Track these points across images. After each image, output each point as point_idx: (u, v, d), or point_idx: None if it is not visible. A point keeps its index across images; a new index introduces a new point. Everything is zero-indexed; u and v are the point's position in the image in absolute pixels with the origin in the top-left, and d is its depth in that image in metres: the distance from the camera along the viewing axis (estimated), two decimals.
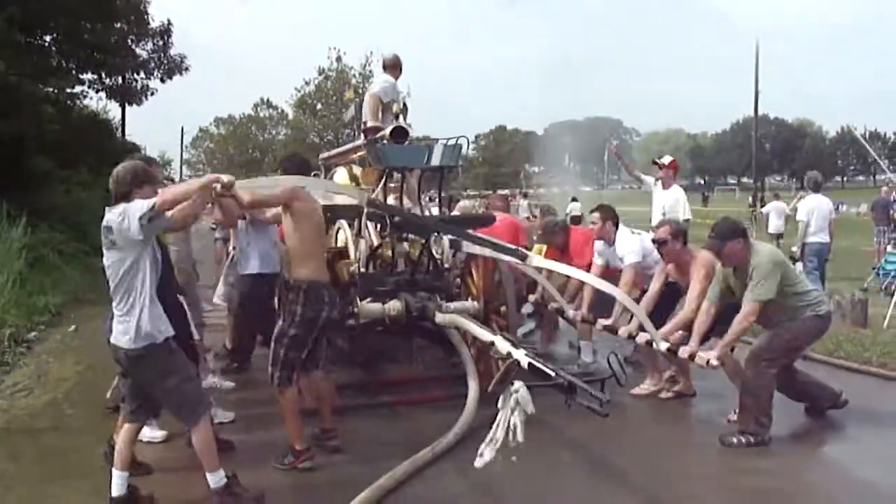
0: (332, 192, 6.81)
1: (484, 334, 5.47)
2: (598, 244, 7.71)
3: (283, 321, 5.35)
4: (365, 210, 6.49)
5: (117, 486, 4.58)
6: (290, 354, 5.30)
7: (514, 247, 6.65)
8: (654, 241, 6.86)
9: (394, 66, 8.69)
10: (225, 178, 4.78)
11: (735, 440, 5.82)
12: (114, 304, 4.54)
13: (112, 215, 4.45)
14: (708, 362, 5.86)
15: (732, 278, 6.04)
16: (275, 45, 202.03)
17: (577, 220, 16.14)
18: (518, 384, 4.15)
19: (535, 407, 4.18)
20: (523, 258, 6.43)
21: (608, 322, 7.05)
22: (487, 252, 6.64)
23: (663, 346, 6.21)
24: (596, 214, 7.67)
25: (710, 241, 6.01)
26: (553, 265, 6.86)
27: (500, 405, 4.23)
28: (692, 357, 6.02)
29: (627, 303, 6.28)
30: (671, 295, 6.86)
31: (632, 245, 7.36)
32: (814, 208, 11.71)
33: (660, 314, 6.51)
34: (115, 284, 4.50)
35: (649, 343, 6.38)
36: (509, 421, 4.16)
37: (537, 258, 6.91)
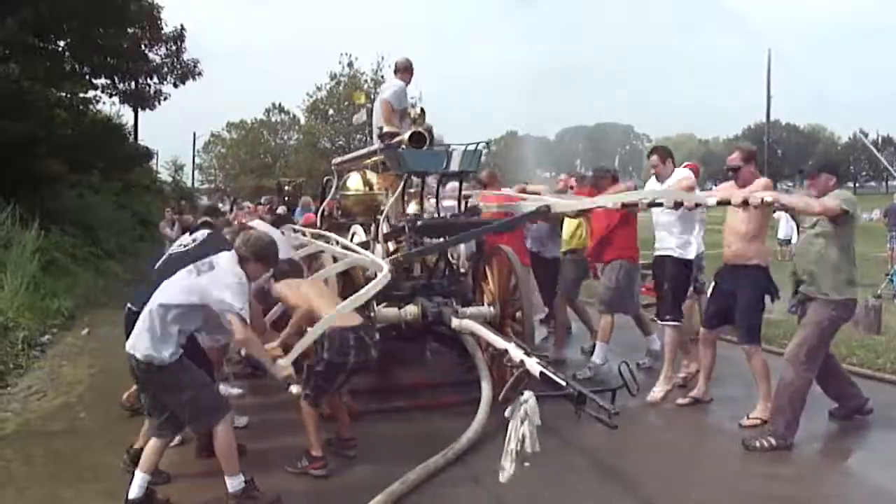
0: (351, 264, 6.90)
1: (498, 341, 5.45)
2: (651, 181, 7.55)
3: (316, 355, 5.36)
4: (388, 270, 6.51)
5: (137, 488, 4.59)
6: (322, 385, 5.33)
7: (533, 208, 6.73)
8: (727, 168, 6.67)
9: (405, 70, 8.69)
10: (295, 390, 4.98)
11: (758, 444, 5.80)
12: (146, 312, 4.58)
13: (224, 261, 4.66)
14: (762, 200, 5.62)
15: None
16: (287, 50, 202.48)
17: None
18: (527, 394, 4.13)
19: (546, 414, 4.16)
20: (546, 210, 6.50)
21: (648, 199, 6.78)
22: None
23: (711, 200, 6.23)
24: (655, 157, 7.43)
25: (809, 168, 6.19)
26: (578, 203, 6.89)
27: (508, 415, 4.22)
28: (745, 202, 5.73)
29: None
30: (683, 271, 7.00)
31: (685, 171, 7.37)
32: None
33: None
34: (160, 300, 4.60)
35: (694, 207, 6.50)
36: (519, 431, 4.15)
37: (560, 202, 7.07)
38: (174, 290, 4.61)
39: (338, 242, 7.56)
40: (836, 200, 5.73)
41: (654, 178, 7.49)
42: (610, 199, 6.66)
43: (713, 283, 7.01)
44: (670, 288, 7.22)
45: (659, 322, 7.51)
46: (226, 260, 4.70)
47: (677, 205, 6.45)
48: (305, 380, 5.29)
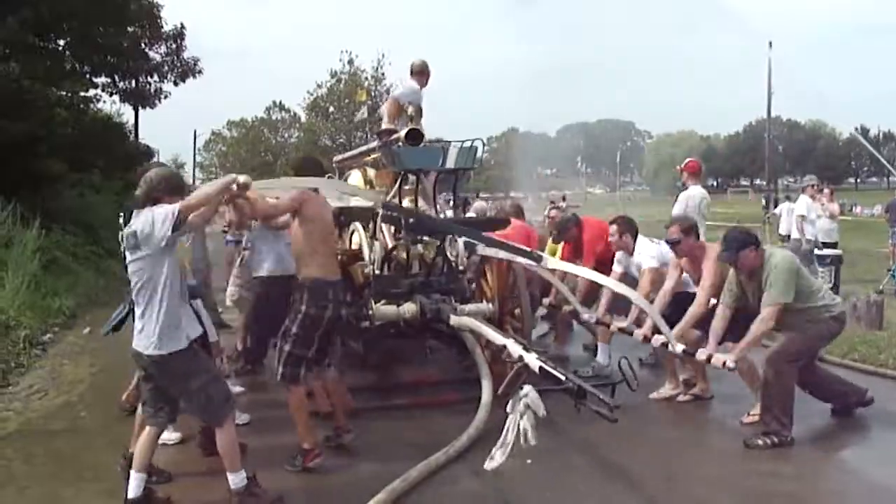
0: (347, 193, 6.80)
1: (497, 338, 5.45)
2: (619, 254, 7.66)
3: (289, 319, 5.37)
4: (380, 212, 6.49)
5: (135, 488, 4.58)
6: (296, 352, 5.31)
7: (528, 249, 6.62)
8: (667, 241, 6.83)
9: (420, 73, 8.62)
10: (242, 178, 4.79)
11: (760, 442, 5.79)
12: (136, 308, 4.54)
13: (138, 220, 4.44)
14: (724, 364, 5.85)
15: (747, 283, 6.08)
16: (287, 48, 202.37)
17: None
18: (527, 388, 4.14)
19: (547, 410, 4.16)
20: (538, 260, 6.41)
21: (623, 324, 7.02)
22: (502, 254, 6.63)
23: (679, 348, 6.20)
24: (613, 227, 7.59)
25: (722, 252, 6.09)
26: (568, 267, 6.84)
27: (509, 409, 4.22)
28: (709, 360, 6.00)
29: (642, 304, 6.25)
30: (685, 302, 6.81)
31: (650, 251, 7.36)
32: None
33: (675, 320, 6.48)
34: (137, 289, 4.49)
35: (665, 345, 6.34)
36: (519, 425, 4.15)
37: (552, 260, 6.88)
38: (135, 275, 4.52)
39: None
40: (769, 301, 5.84)
41: (620, 253, 7.66)
42: (599, 278, 6.59)
43: None
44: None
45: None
46: (139, 218, 4.48)
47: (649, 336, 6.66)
48: (279, 357, 5.32)
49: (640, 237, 7.56)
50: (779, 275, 5.83)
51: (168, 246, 4.40)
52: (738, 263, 6.02)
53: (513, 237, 7.76)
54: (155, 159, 36.26)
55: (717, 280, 6.37)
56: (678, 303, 6.73)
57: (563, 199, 39.38)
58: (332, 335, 5.62)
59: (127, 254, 4.52)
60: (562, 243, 8.58)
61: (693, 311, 6.39)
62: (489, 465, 4.19)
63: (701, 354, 6.04)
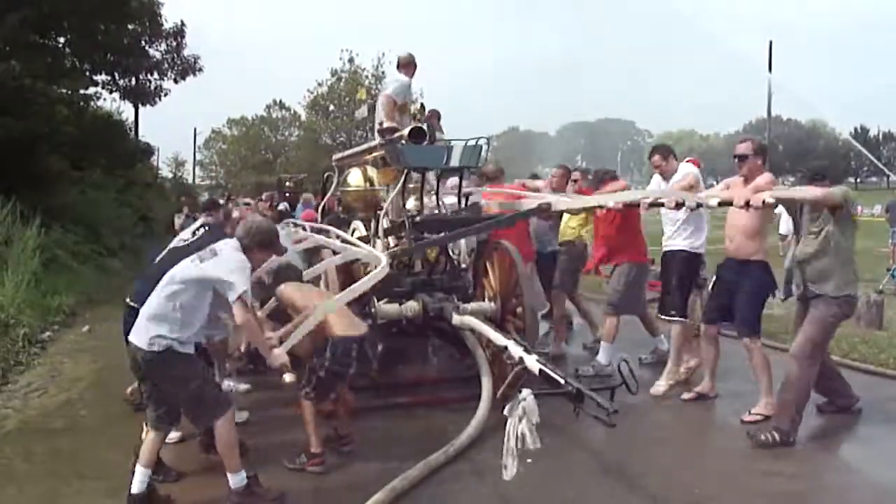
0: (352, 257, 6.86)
1: (498, 338, 5.44)
2: (655, 179, 7.59)
3: (317, 359, 5.32)
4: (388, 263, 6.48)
5: (138, 483, 4.58)
6: (321, 389, 5.33)
7: (534, 205, 6.68)
8: (735, 155, 6.56)
9: (408, 65, 8.63)
10: (288, 379, 4.81)
11: (763, 437, 5.80)
12: (151, 301, 4.56)
13: (227, 247, 4.67)
14: (764, 202, 5.59)
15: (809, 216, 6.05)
16: (287, 46, 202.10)
17: None
18: (525, 392, 4.13)
19: (549, 410, 4.16)
20: (547, 207, 6.45)
21: (650, 199, 6.70)
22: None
23: (713, 201, 6.06)
24: (657, 157, 7.49)
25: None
26: (579, 202, 6.86)
27: (507, 413, 4.21)
28: (747, 204, 5.69)
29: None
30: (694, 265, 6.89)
31: (689, 167, 7.38)
32: None
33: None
34: (166, 290, 4.57)
35: (699, 205, 6.35)
36: (518, 430, 4.14)
37: (562, 200, 6.98)
38: (178, 277, 4.59)
39: (338, 236, 7.53)
40: (836, 190, 5.78)
41: (657, 176, 7.48)
42: (611, 198, 6.62)
43: (714, 278, 7.00)
44: (678, 284, 7.23)
45: (663, 317, 7.50)
46: (229, 246, 4.70)
47: (678, 205, 6.41)
48: (307, 380, 5.28)
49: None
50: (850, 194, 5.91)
51: (217, 290, 4.56)
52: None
53: (513, 235, 7.76)
54: (155, 157, 36.33)
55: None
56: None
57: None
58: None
59: (192, 257, 4.69)
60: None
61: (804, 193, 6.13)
62: (506, 475, 4.18)
63: (739, 199, 5.74)
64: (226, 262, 4.56)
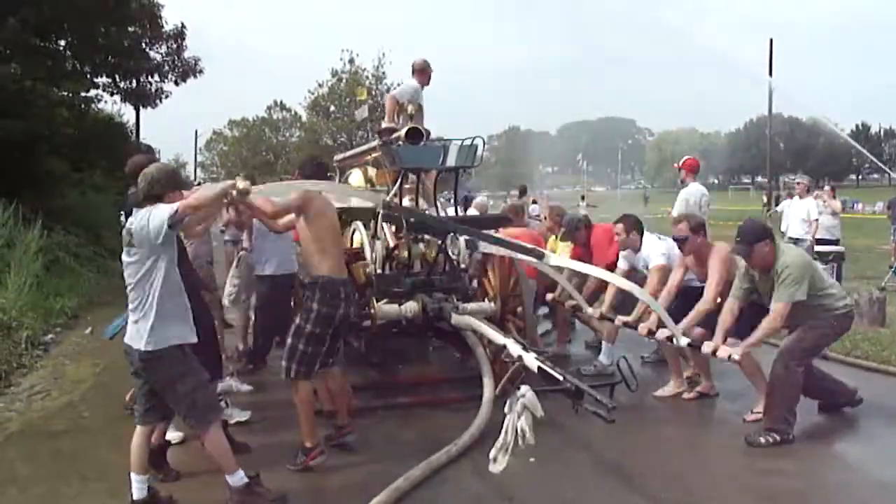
0: (349, 194, 6.80)
1: (497, 337, 5.45)
2: (624, 252, 7.60)
3: (300, 318, 5.36)
4: (381, 212, 6.48)
5: (137, 490, 4.58)
6: (309, 350, 5.31)
7: (530, 246, 6.61)
8: (674, 238, 6.80)
9: (421, 72, 8.60)
10: (241, 184, 4.74)
11: (762, 439, 5.79)
12: (129, 305, 4.53)
13: (137, 218, 4.43)
14: (730, 357, 5.76)
15: (758, 278, 6.03)
16: (288, 47, 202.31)
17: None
18: (524, 388, 4.13)
19: (550, 409, 4.17)
20: (540, 257, 6.39)
21: (628, 319, 6.97)
22: (503, 252, 6.62)
23: (683, 341, 6.13)
24: (619, 225, 7.50)
25: (737, 245, 6.00)
26: (572, 263, 6.82)
27: (506, 409, 4.21)
28: (714, 352, 5.92)
29: (646, 298, 6.24)
30: (691, 298, 6.79)
31: (659, 248, 7.30)
32: None
33: (680, 316, 6.46)
34: (131, 286, 4.49)
35: (669, 339, 6.30)
36: (516, 426, 4.14)
37: (555, 257, 6.87)
38: (128, 272, 4.52)
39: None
40: (782, 298, 5.76)
41: (626, 252, 7.60)
42: (604, 275, 6.60)
43: None
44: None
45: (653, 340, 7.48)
46: (145, 212, 4.47)
47: (650, 332, 6.61)
48: (290, 355, 5.31)
49: (646, 234, 7.52)
50: (791, 272, 5.73)
51: (164, 244, 4.38)
52: (752, 256, 5.92)
53: (526, 238, 7.75)
54: (156, 158, 36.21)
55: (724, 278, 6.34)
56: (684, 298, 6.70)
57: (583, 198, 39.40)
58: (341, 333, 5.63)
59: (124, 251, 4.52)
60: (569, 243, 8.52)
61: (700, 307, 6.33)
62: (494, 468, 4.18)
63: (706, 347, 5.96)
64: (144, 224, 4.36)
